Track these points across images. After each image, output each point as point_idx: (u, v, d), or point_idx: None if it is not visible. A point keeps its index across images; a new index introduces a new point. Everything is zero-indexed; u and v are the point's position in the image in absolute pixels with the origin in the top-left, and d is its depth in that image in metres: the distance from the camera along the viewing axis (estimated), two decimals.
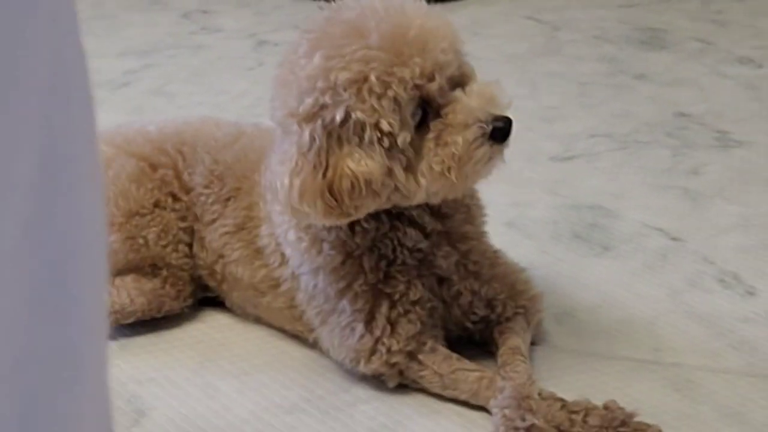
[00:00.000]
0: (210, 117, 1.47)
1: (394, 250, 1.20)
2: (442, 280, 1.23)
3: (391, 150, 1.09)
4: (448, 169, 1.11)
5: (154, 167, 1.36)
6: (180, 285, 1.37)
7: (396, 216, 1.19)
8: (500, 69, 2.17)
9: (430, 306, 1.22)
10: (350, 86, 1.07)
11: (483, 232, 1.28)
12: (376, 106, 1.07)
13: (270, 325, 1.36)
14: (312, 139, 1.09)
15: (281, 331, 1.35)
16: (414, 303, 1.20)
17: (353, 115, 1.08)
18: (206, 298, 1.41)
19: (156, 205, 1.35)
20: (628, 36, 2.34)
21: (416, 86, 1.09)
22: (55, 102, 0.38)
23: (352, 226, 1.18)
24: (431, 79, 1.10)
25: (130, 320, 1.35)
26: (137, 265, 1.35)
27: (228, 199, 1.33)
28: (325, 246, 1.21)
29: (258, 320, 1.37)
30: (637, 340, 1.31)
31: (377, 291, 1.20)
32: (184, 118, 1.45)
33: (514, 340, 1.23)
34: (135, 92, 2.15)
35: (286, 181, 1.10)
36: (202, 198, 1.35)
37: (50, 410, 0.39)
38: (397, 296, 1.20)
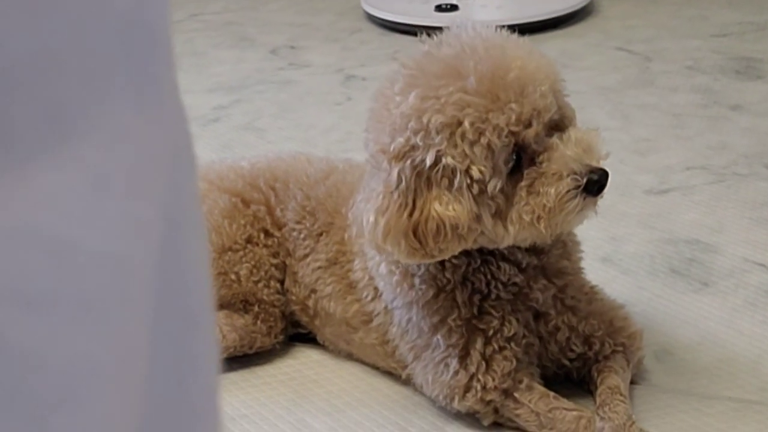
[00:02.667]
0: (301, 153, 1.47)
1: (487, 284, 1.18)
2: (538, 316, 1.21)
3: (481, 196, 1.08)
4: (538, 218, 1.09)
5: (246, 203, 1.36)
6: (271, 321, 1.36)
7: (488, 251, 1.17)
8: (591, 101, 2.14)
9: (525, 342, 1.20)
10: (443, 130, 1.06)
11: (579, 268, 1.25)
12: (468, 152, 1.06)
13: (362, 362, 1.35)
14: (400, 178, 1.08)
15: (374, 367, 1.34)
16: (509, 339, 1.18)
17: (444, 160, 1.07)
18: (298, 334, 1.41)
19: (248, 240, 1.35)
20: (722, 66, 2.30)
21: (511, 133, 1.07)
22: (170, 175, 0.38)
23: (442, 261, 1.17)
24: (528, 125, 1.08)
25: (222, 356, 1.34)
26: (229, 301, 1.35)
27: (320, 234, 1.33)
28: (417, 280, 1.19)
29: (350, 356, 1.36)
30: (740, 380, 1.27)
31: (471, 326, 1.18)
32: (276, 154, 1.46)
33: (613, 379, 1.20)
34: (225, 128, 2.16)
35: (372, 218, 1.10)
36: (294, 233, 1.35)
37: None
38: (491, 332, 1.18)
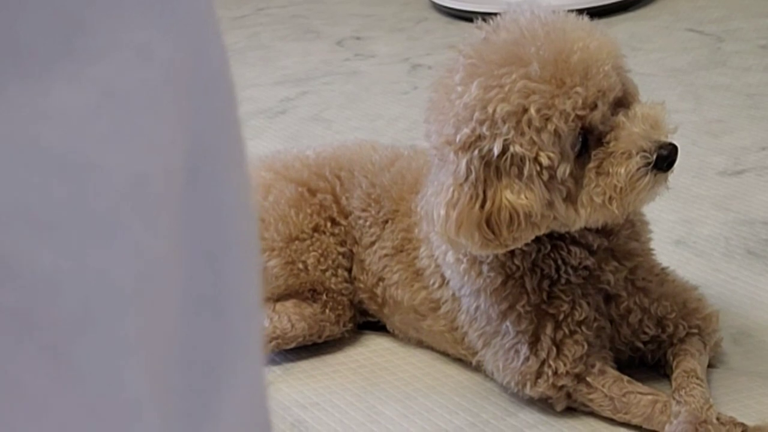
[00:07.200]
0: (366, 140, 1.46)
1: (557, 270, 1.16)
2: (609, 298, 1.19)
3: (551, 182, 1.06)
4: (609, 199, 1.07)
5: (312, 192, 1.36)
6: (340, 309, 1.36)
7: (558, 236, 1.15)
8: (662, 84, 2.10)
9: (596, 326, 1.18)
10: (509, 119, 1.05)
11: (649, 249, 1.23)
12: (535, 139, 1.05)
13: (433, 349, 1.34)
14: (468, 169, 1.07)
15: (444, 354, 1.32)
16: (580, 323, 1.16)
17: (512, 149, 1.05)
18: (368, 322, 1.40)
19: (315, 229, 1.35)
20: None
21: (578, 117, 1.05)
22: (199, 96, 0.37)
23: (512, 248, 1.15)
24: (593, 107, 1.06)
25: (292, 345, 1.34)
26: (297, 290, 1.35)
27: (386, 222, 1.32)
28: (485, 268, 1.18)
29: (420, 344, 1.35)
30: None
31: (541, 312, 1.17)
32: (341, 143, 1.45)
33: (689, 363, 1.17)
34: (292, 120, 2.16)
35: (443, 212, 1.08)
36: (360, 221, 1.34)
37: (209, 396, 0.38)
38: (561, 317, 1.16)
